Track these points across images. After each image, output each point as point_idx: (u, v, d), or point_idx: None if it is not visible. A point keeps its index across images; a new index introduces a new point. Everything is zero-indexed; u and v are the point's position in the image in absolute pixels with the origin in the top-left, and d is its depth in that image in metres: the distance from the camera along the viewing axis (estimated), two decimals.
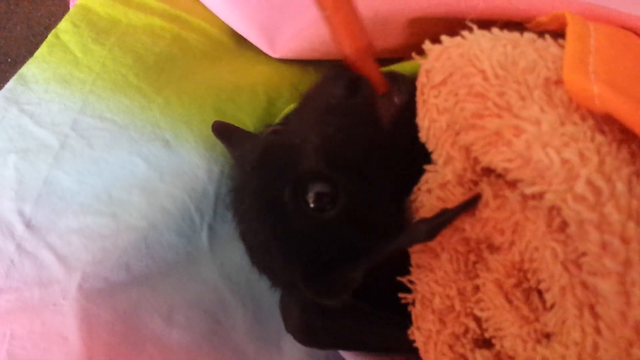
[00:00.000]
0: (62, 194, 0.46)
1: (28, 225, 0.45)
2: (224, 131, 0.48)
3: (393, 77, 0.38)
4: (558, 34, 0.35)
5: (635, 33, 0.39)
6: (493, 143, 0.31)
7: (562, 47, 0.34)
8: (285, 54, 0.56)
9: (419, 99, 0.36)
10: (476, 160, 0.34)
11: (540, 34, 0.35)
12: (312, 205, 0.35)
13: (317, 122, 0.36)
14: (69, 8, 0.58)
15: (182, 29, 0.57)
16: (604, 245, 0.28)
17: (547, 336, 0.34)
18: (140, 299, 0.44)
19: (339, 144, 0.36)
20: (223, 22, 0.59)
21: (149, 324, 0.44)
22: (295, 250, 0.36)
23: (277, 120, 0.51)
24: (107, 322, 0.42)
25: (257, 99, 0.54)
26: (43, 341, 0.41)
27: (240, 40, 0.59)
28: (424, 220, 0.34)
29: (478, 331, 0.37)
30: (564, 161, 0.29)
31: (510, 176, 0.31)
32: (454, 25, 0.42)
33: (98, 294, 0.43)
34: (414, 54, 0.36)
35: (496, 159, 0.31)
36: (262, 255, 0.39)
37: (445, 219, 0.33)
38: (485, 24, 0.36)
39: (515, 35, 0.35)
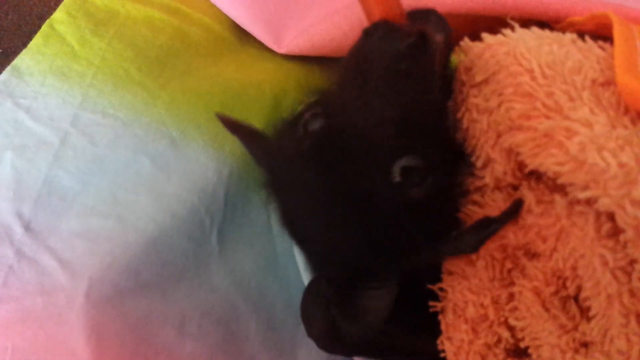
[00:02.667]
0: (64, 194, 0.44)
1: (27, 228, 0.42)
2: (233, 125, 0.44)
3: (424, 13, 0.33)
4: (594, 36, 0.35)
5: None
6: (542, 145, 0.30)
7: (602, 48, 0.33)
8: (292, 50, 0.54)
9: (457, 97, 0.34)
10: (520, 164, 0.33)
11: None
12: (399, 180, 0.31)
13: (387, 91, 0.31)
14: None
15: (183, 22, 0.55)
16: None
17: (586, 345, 0.33)
18: (150, 307, 0.42)
19: (415, 113, 0.32)
20: (224, 17, 0.57)
21: (161, 334, 0.42)
22: (380, 241, 0.33)
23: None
24: (117, 333, 0.40)
25: (263, 97, 0.52)
26: (48, 355, 0.38)
27: (242, 36, 0.57)
28: (471, 231, 0.33)
29: (511, 341, 0.36)
30: (621, 165, 0.27)
31: (561, 180, 0.30)
32: (474, 25, 0.41)
33: (107, 302, 0.40)
34: (456, 49, 0.34)
35: (547, 162, 0.30)
36: (326, 248, 0.35)
37: (491, 230, 0.32)
38: (498, 23, 0.35)
39: (558, 34, 0.34)
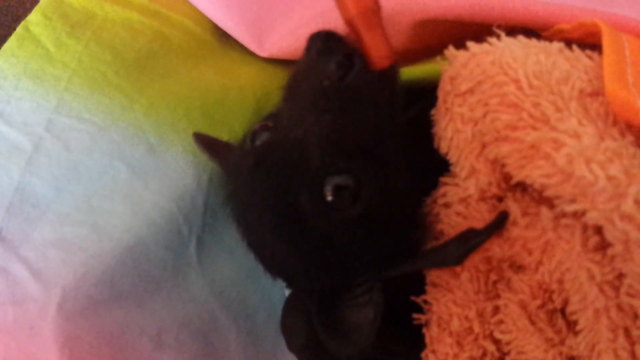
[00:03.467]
0: (37, 201, 0.42)
1: None
2: (206, 143, 0.45)
3: None
4: (582, 44, 0.34)
5: None
6: (529, 157, 0.30)
7: (590, 57, 0.33)
8: (275, 53, 0.53)
9: (441, 107, 0.34)
10: (506, 175, 0.32)
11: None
12: (330, 199, 0.31)
13: (313, 108, 0.32)
14: None
15: (163, 25, 0.53)
16: None
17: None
18: (126, 318, 0.41)
19: (342, 130, 0.31)
20: (205, 20, 0.55)
21: (137, 346, 0.40)
22: (317, 258, 0.33)
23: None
24: (91, 346, 0.38)
25: (246, 102, 0.51)
26: None
27: (223, 39, 0.56)
28: (454, 243, 0.32)
29: (497, 354, 0.35)
30: (610, 178, 0.27)
31: (547, 193, 0.29)
32: (460, 30, 0.41)
33: (80, 314, 0.39)
34: (438, 59, 0.34)
35: (534, 174, 0.29)
36: (278, 265, 0.36)
37: (476, 242, 0.31)
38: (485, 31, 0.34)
39: (545, 43, 0.33)
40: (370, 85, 0.32)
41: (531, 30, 0.39)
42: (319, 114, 0.32)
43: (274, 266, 0.37)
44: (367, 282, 0.33)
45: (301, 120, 0.32)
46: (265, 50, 0.53)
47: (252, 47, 0.54)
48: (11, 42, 0.48)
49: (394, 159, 0.33)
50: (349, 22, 0.32)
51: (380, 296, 0.32)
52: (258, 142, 0.35)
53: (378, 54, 0.32)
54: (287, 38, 0.51)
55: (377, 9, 0.32)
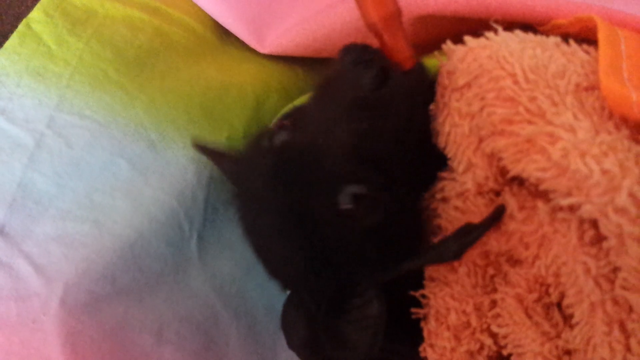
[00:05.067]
0: (39, 197, 0.42)
1: (1, 232, 0.41)
2: (205, 151, 0.45)
3: None
4: (579, 39, 0.34)
5: None
6: (525, 151, 0.30)
7: (587, 52, 0.33)
8: (275, 50, 0.53)
9: (439, 102, 0.34)
10: (502, 169, 0.32)
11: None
12: (346, 207, 0.32)
13: (344, 117, 0.32)
14: None
15: (163, 22, 0.54)
16: None
17: (569, 353, 0.33)
18: (127, 314, 0.41)
19: (372, 142, 0.32)
20: (205, 17, 0.56)
21: (138, 341, 0.41)
22: (323, 263, 0.33)
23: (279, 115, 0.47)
24: (92, 340, 0.39)
25: (245, 99, 0.51)
26: None
27: (223, 37, 0.56)
28: (453, 239, 0.32)
29: (494, 348, 0.35)
30: (604, 171, 0.27)
31: (543, 186, 0.29)
32: (458, 26, 0.41)
33: (82, 309, 0.39)
34: (436, 53, 0.34)
35: (529, 167, 0.29)
36: (282, 267, 0.36)
37: (474, 236, 0.32)
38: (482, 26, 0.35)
39: (541, 37, 0.33)
40: (402, 98, 0.33)
41: (529, 26, 0.39)
42: (350, 123, 0.32)
43: (277, 269, 0.37)
44: (369, 290, 0.33)
45: (330, 127, 0.33)
46: (266, 46, 0.54)
47: (253, 43, 0.54)
48: (13, 39, 0.48)
49: (411, 171, 0.34)
50: (371, 27, 0.33)
51: (381, 307, 0.32)
52: (277, 142, 0.35)
53: (401, 55, 0.33)
54: (287, 35, 0.52)
55: (398, 14, 0.33)
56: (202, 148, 0.45)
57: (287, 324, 0.38)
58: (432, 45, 0.37)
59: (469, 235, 0.32)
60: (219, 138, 0.48)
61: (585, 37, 0.35)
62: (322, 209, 0.32)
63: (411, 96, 0.34)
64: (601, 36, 0.32)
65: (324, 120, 0.33)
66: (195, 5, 0.55)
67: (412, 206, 0.35)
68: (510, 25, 0.35)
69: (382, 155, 0.33)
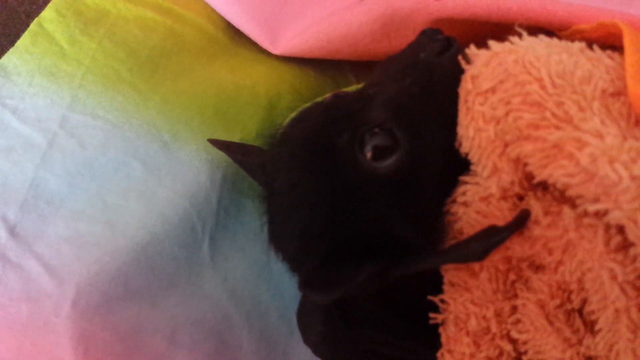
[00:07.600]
0: (51, 198, 0.42)
1: (12, 232, 0.40)
2: (221, 146, 0.45)
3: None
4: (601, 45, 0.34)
5: None
6: (552, 156, 0.29)
7: (611, 58, 0.33)
8: (288, 51, 0.53)
9: (462, 106, 0.33)
10: (528, 174, 0.32)
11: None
12: (367, 150, 0.32)
13: (399, 73, 0.34)
14: None
15: (176, 23, 0.54)
16: None
17: None
18: (140, 316, 0.40)
19: (412, 98, 0.33)
20: (218, 17, 0.56)
21: (151, 344, 0.40)
22: (338, 208, 0.33)
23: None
24: (105, 343, 0.38)
25: (258, 100, 0.51)
26: None
27: (236, 38, 0.56)
28: (477, 239, 0.32)
29: (514, 354, 0.35)
30: (633, 177, 0.27)
31: (570, 192, 0.29)
32: (476, 29, 0.41)
33: (94, 310, 0.39)
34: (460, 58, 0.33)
35: (556, 173, 0.29)
36: (296, 213, 0.34)
37: (499, 238, 0.31)
38: (501, 30, 0.34)
39: (567, 43, 0.33)
40: (458, 70, 0.33)
41: (549, 31, 0.39)
42: (402, 78, 0.34)
43: (290, 217, 0.35)
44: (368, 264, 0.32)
45: (382, 81, 0.34)
46: (278, 47, 0.53)
47: (265, 44, 0.54)
48: (25, 38, 0.48)
49: (439, 144, 0.34)
50: None
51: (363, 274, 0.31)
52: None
53: None
54: (300, 36, 0.51)
55: None
56: (221, 143, 0.45)
57: (304, 321, 0.38)
58: None
59: (494, 237, 0.31)
60: (231, 139, 0.47)
61: (607, 42, 0.35)
62: (346, 149, 0.33)
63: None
64: (627, 41, 0.31)
65: (379, 76, 0.35)
66: (207, 6, 0.55)
67: (431, 179, 0.34)
68: (531, 30, 0.35)
69: (422, 117, 0.33)
